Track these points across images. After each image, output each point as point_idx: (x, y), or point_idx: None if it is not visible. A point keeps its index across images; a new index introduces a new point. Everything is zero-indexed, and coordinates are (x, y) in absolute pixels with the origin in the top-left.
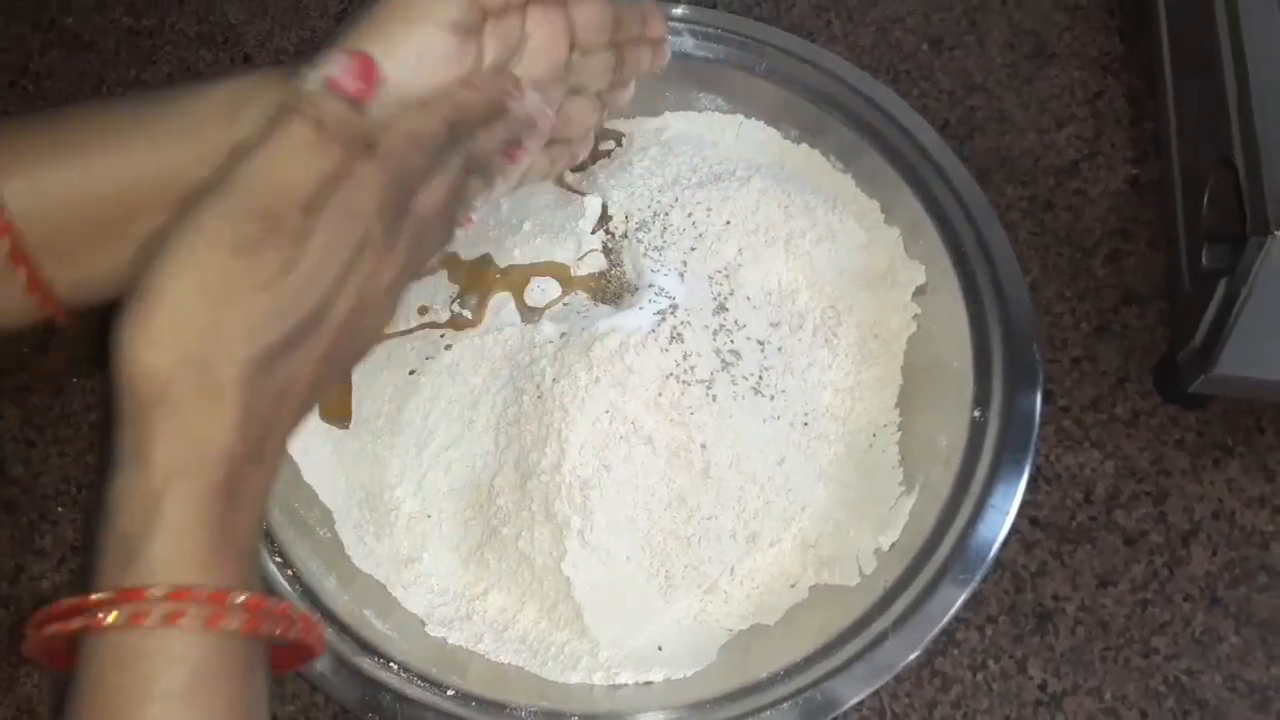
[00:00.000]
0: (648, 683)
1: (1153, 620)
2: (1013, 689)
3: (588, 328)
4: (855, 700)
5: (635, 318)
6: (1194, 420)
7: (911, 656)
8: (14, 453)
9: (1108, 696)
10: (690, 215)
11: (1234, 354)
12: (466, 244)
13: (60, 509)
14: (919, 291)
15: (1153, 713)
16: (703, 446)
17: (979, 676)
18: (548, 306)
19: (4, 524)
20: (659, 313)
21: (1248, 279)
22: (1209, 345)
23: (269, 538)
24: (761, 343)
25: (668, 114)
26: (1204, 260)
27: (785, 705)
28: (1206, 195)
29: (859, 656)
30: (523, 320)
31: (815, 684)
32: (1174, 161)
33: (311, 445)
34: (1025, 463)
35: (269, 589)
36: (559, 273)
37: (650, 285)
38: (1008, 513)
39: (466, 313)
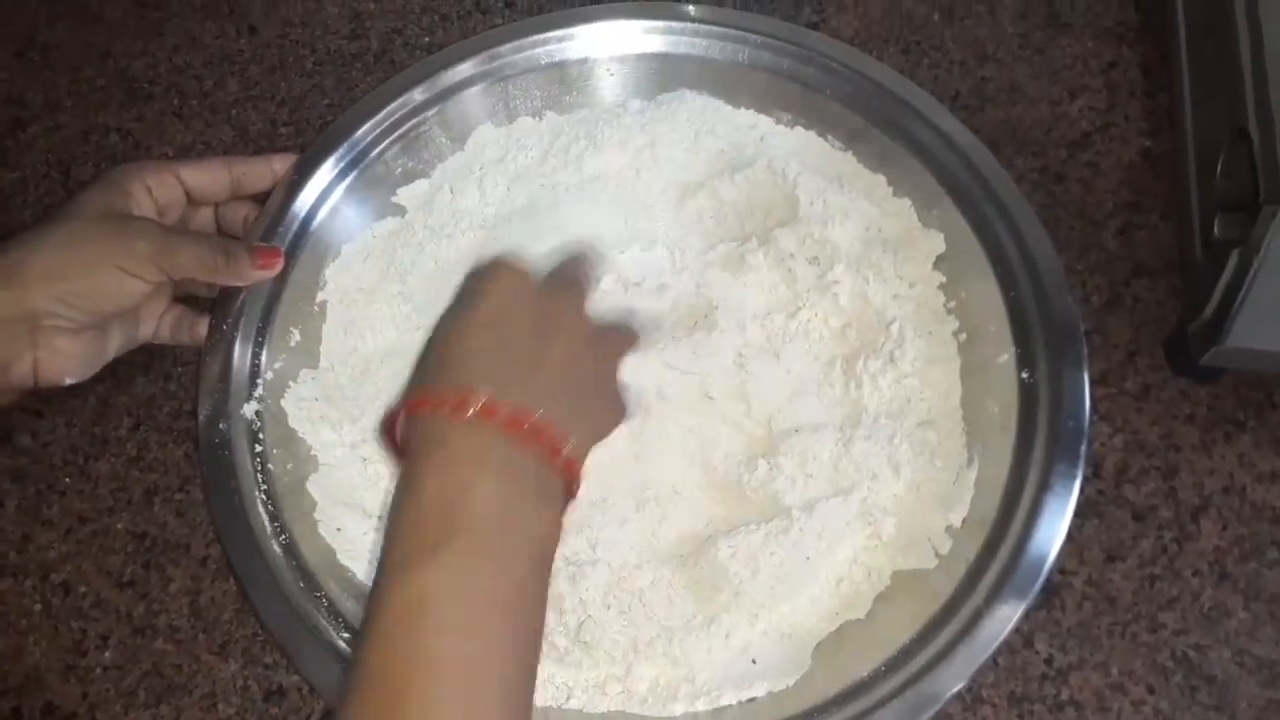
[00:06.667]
0: (750, 699)
1: (1161, 595)
2: (1018, 663)
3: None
4: (959, 687)
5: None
6: (1204, 395)
7: (1009, 628)
8: (22, 423)
9: (1114, 671)
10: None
11: (1246, 325)
12: None
13: (67, 479)
14: (940, 260)
15: (1159, 687)
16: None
17: None
18: None
19: (11, 494)
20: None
21: (1260, 248)
22: (1220, 316)
23: (335, 614)
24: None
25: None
26: (1216, 230)
27: (893, 703)
28: (1220, 166)
29: (959, 639)
30: None
31: (919, 675)
32: (1188, 132)
33: (347, 525)
34: (1084, 416)
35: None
36: None
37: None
38: (1075, 472)
39: None
